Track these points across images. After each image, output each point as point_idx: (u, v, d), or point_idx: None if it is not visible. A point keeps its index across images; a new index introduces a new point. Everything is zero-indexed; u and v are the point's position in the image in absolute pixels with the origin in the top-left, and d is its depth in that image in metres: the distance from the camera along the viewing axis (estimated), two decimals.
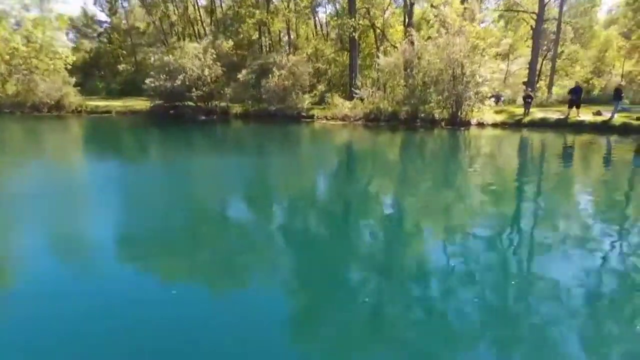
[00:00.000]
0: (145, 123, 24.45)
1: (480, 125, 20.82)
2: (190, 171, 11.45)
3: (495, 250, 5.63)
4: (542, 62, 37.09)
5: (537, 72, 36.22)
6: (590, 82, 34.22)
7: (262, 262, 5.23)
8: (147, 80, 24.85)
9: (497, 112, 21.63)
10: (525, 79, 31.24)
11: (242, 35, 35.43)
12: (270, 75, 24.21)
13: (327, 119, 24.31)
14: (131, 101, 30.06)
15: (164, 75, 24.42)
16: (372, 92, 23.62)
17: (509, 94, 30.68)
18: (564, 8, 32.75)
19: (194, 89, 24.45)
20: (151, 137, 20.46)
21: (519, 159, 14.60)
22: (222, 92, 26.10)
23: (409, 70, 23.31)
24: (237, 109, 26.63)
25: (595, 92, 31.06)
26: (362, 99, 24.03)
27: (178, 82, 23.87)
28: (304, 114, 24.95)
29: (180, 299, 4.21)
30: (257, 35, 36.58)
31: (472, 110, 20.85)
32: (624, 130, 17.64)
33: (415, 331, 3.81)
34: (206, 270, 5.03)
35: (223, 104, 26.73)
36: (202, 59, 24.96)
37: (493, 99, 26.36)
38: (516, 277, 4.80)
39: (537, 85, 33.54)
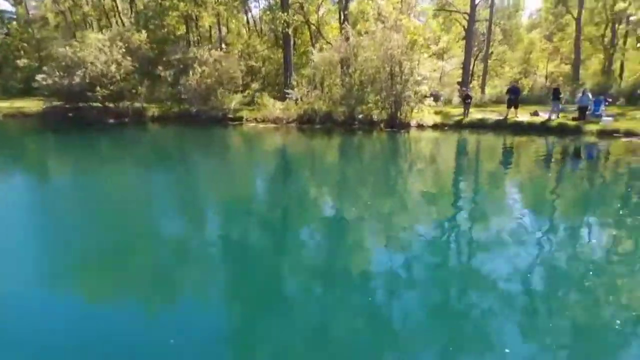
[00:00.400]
0: (39, 128, 20.17)
1: (420, 127, 19.28)
2: (96, 184, 9.80)
3: (435, 253, 5.61)
4: (474, 63, 37.26)
5: (470, 73, 36.35)
6: (519, 82, 34.59)
7: (194, 277, 4.95)
8: (39, 77, 20.45)
9: (436, 113, 20.23)
10: (460, 79, 30.96)
11: (166, 30, 31.50)
12: (190, 72, 20.94)
13: (257, 121, 21.57)
14: (22, 102, 25.08)
15: (60, 72, 20.17)
16: (308, 91, 21.26)
17: (447, 92, 29.97)
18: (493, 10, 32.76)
19: (98, 88, 20.43)
20: (48, 144, 16.77)
21: (460, 162, 13.55)
22: (134, 91, 22.28)
23: (345, 68, 21.27)
24: (154, 110, 22.97)
25: (525, 92, 31.19)
26: (295, 100, 21.59)
27: (77, 79, 19.78)
28: (231, 115, 21.97)
29: (109, 318, 4.00)
30: (185, 30, 32.84)
31: (412, 111, 19.22)
32: (561, 131, 16.86)
33: (357, 340, 3.69)
34: (135, 288, 4.75)
35: (138, 104, 22.94)
36: (109, 53, 21.01)
37: (432, 98, 25.33)
38: (455, 277, 4.79)
39: (471, 86, 33.44)
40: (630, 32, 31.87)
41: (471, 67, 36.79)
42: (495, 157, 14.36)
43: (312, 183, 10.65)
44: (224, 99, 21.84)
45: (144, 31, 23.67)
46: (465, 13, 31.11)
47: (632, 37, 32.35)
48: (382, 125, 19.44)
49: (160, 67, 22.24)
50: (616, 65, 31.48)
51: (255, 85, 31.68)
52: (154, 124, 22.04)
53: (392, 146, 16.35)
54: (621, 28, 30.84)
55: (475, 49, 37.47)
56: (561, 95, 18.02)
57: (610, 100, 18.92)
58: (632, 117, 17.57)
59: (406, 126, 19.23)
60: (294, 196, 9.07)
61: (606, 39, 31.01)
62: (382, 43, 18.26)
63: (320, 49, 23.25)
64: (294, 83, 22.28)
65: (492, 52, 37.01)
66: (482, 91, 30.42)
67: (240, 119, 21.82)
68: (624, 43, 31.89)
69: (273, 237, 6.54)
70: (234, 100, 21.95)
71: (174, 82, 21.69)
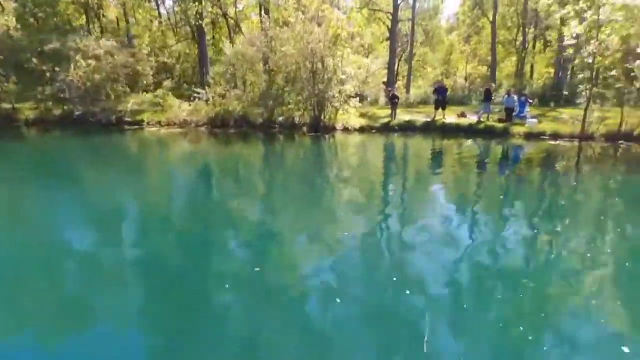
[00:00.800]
0: None
1: (346, 130, 17.36)
2: None
3: (365, 261, 5.30)
4: (398, 63, 36.84)
5: (395, 73, 35.79)
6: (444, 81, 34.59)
7: (105, 302, 4.23)
8: None
9: (361, 115, 18.46)
10: (385, 79, 30.16)
11: (58, 18, 26.32)
12: (72, 66, 16.91)
13: (160, 125, 18.16)
14: None
15: None
16: (227, 90, 18.30)
17: (374, 92, 28.78)
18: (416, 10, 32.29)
19: None
20: None
21: (389, 168, 12.16)
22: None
23: (264, 64, 18.67)
24: (28, 113, 18.44)
25: (448, 92, 31.03)
26: (206, 100, 18.55)
27: None
28: (128, 119, 18.28)
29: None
30: (85, 21, 27.90)
31: (336, 113, 17.23)
32: (489, 133, 15.94)
33: (289, 353, 3.49)
34: (36, 320, 4.02)
35: (7, 105, 18.25)
36: None
37: (358, 99, 23.88)
38: (387, 283, 4.60)
39: (396, 86, 32.75)
40: (538, 36, 33.29)
41: (396, 67, 36.40)
42: (424, 161, 12.92)
43: (226, 195, 9.13)
44: (119, 99, 18.07)
45: (11, 16, 18.89)
46: (388, 12, 30.20)
47: (540, 41, 33.88)
48: (304, 128, 17.22)
49: (35, 60, 17.76)
50: (527, 68, 32.53)
51: (167, 84, 28.10)
52: (30, 130, 17.62)
53: (317, 152, 14.20)
54: (531, 32, 31.90)
55: (399, 49, 37.14)
56: (492, 98, 17.15)
57: (532, 100, 18.58)
58: (553, 117, 17.23)
59: (331, 129, 17.20)
60: (208, 211, 7.83)
61: (518, 42, 31.89)
62: (302, 36, 15.97)
63: (232, 42, 20.22)
64: (211, 81, 19.25)
65: (415, 53, 36.79)
66: (407, 91, 29.68)
67: (141, 122, 18.25)
68: (533, 47, 33.19)
69: (190, 253, 5.65)
70: (130, 101, 18.23)
71: (52, 78, 17.41)
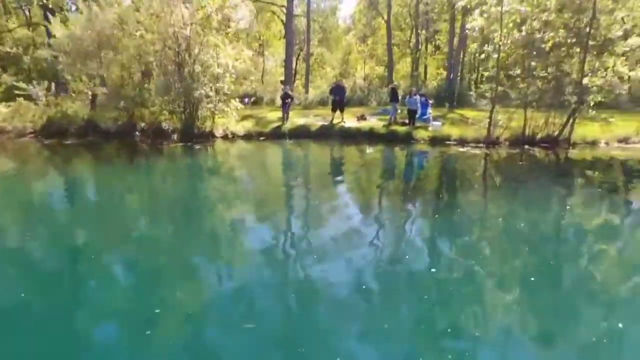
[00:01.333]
0: None
1: (228, 137, 13.88)
2: None
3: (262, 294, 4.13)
4: (297, 62, 34.36)
5: (294, 72, 33.17)
6: (343, 80, 32.78)
7: None
8: None
9: (245, 118, 15.11)
10: (282, 78, 27.49)
11: None
12: None
13: None
14: None
15: None
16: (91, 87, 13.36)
17: (271, 91, 25.79)
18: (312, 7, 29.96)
19: None
20: None
21: (279, 186, 9.17)
22: None
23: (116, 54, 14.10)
24: None
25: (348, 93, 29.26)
26: (35, 101, 13.44)
27: None
28: None
29: None
30: None
31: (213, 117, 13.64)
32: (392, 138, 13.81)
33: None
34: None
35: None
36: None
37: (244, 99, 20.62)
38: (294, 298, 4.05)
39: (295, 85, 30.15)
40: (430, 38, 33.47)
41: (294, 66, 33.78)
42: (321, 175, 10.12)
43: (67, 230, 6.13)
44: None
45: None
46: (282, 6, 27.31)
47: (432, 43, 34.16)
48: (175, 136, 13.30)
49: None
50: (422, 69, 32.38)
51: (6, 78, 21.55)
52: None
53: (190, 167, 10.52)
54: (423, 34, 31.77)
55: (297, 47, 34.74)
56: (399, 97, 15.01)
57: (431, 101, 17.16)
58: (453, 120, 15.87)
59: (209, 137, 13.54)
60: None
61: (412, 44, 31.52)
62: (161, 16, 11.98)
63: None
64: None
65: (313, 53, 34.63)
66: (306, 91, 27.20)
67: None
68: (426, 48, 33.26)
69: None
70: None
71: None
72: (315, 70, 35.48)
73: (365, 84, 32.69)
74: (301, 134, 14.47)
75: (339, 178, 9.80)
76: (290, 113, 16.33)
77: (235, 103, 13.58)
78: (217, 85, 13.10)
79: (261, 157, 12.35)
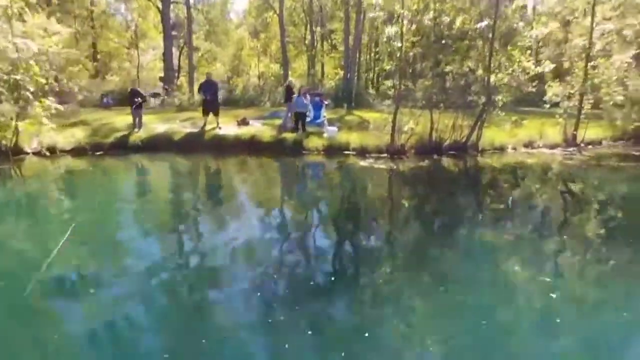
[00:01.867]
0: None
1: (41, 154, 9.40)
2: None
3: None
4: (180, 57, 29.64)
5: (177, 68, 28.38)
6: (232, 81, 28.90)
7: None
8: None
9: (72, 125, 10.75)
10: (162, 74, 23.16)
11: None
12: None
13: None
14: None
15: None
16: None
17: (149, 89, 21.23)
18: None
19: None
20: None
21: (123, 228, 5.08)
22: None
23: None
24: None
25: (237, 91, 25.54)
26: None
27: None
28: None
29: None
30: None
31: (15, 122, 9.03)
32: (280, 148, 10.76)
33: None
34: None
35: None
36: None
37: (103, 100, 16.23)
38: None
39: (178, 82, 25.55)
40: (326, 36, 31.51)
41: (177, 62, 28.94)
42: (181, 200, 6.62)
43: None
44: None
45: None
46: None
47: (328, 41, 32.25)
48: None
49: None
50: (318, 67, 30.19)
51: None
52: None
53: None
54: (318, 31, 29.62)
55: (181, 40, 30.06)
56: (294, 95, 11.77)
57: (327, 102, 14.62)
58: (350, 125, 13.38)
59: (8, 155, 8.91)
60: None
61: (307, 41, 29.14)
62: None
63: None
64: None
65: (199, 47, 30.20)
66: (190, 90, 22.89)
67: None
68: (322, 46, 31.26)
69: None
70: None
71: None
72: (203, 66, 30.88)
73: (260, 82, 29.40)
74: (159, 145, 10.56)
75: (199, 198, 6.36)
76: (154, 117, 12.25)
77: (48, 102, 9.12)
78: (15, 77, 8.55)
79: (89, 179, 8.26)
